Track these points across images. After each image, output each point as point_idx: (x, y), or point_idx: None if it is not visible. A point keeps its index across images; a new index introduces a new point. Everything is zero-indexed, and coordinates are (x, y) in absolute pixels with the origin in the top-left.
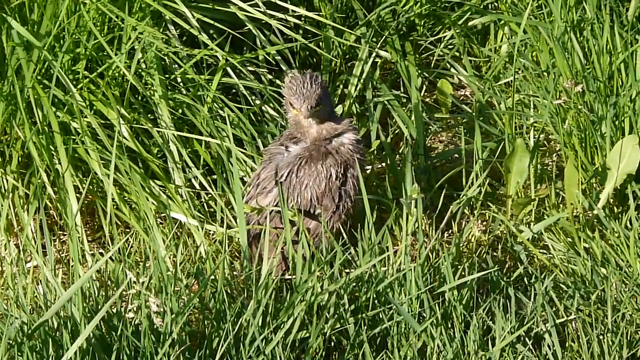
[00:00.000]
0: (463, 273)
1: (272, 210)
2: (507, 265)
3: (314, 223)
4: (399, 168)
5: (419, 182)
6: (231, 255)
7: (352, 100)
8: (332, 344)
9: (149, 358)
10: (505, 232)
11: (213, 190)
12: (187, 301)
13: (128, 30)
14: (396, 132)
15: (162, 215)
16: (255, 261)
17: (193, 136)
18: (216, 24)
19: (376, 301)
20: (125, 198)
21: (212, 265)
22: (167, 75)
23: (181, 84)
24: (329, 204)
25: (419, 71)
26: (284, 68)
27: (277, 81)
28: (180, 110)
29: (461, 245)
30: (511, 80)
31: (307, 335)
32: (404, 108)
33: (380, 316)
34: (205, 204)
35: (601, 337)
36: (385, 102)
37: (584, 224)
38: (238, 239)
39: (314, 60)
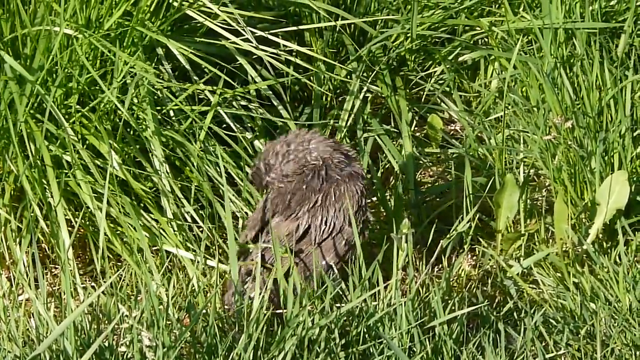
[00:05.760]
0: (453, 308)
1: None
2: (496, 300)
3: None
4: (389, 203)
5: (410, 217)
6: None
7: (342, 134)
8: None
9: None
10: (495, 266)
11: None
12: (178, 335)
13: (120, 64)
14: (386, 166)
15: (155, 248)
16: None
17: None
18: (209, 57)
19: (367, 335)
20: (117, 231)
21: (204, 299)
22: (159, 108)
23: (173, 117)
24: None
25: (410, 106)
26: (275, 103)
27: (268, 115)
28: (171, 145)
29: (451, 279)
30: (501, 116)
31: None
32: (394, 142)
33: (371, 350)
34: (198, 237)
35: None
36: (376, 136)
37: (574, 259)
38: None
39: (305, 94)
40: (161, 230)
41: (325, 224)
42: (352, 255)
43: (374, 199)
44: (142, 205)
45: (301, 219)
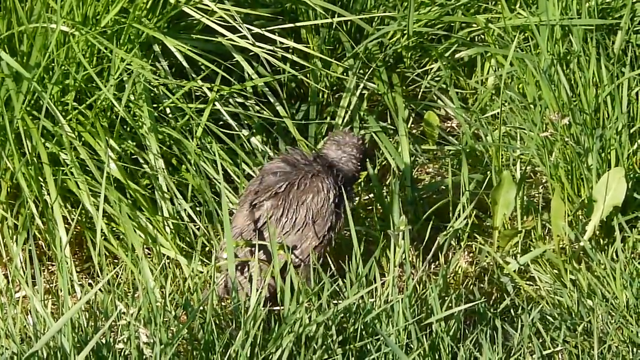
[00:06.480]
0: (450, 304)
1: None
2: (493, 297)
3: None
4: (386, 200)
5: (406, 214)
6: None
7: None
8: None
9: None
10: (491, 263)
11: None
12: (176, 332)
13: (117, 61)
14: (383, 163)
15: (151, 246)
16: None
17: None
18: (207, 54)
19: (364, 332)
20: (114, 229)
21: (201, 297)
22: (155, 105)
23: (170, 114)
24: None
25: (406, 103)
26: (271, 100)
27: (265, 112)
28: (168, 142)
29: (448, 276)
30: (498, 113)
31: None
32: (391, 139)
33: (368, 347)
34: (193, 234)
35: None
36: (373, 133)
37: (570, 255)
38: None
39: (302, 91)
40: (157, 231)
41: (287, 217)
42: (321, 250)
43: (371, 196)
44: (138, 203)
45: (263, 209)
